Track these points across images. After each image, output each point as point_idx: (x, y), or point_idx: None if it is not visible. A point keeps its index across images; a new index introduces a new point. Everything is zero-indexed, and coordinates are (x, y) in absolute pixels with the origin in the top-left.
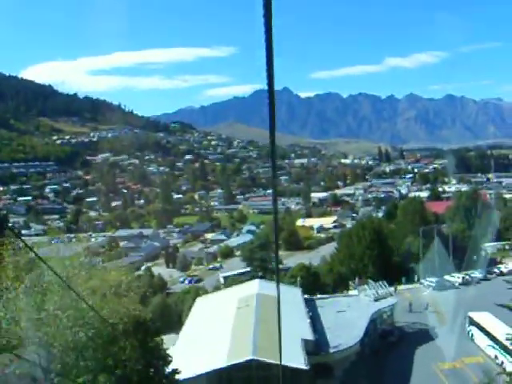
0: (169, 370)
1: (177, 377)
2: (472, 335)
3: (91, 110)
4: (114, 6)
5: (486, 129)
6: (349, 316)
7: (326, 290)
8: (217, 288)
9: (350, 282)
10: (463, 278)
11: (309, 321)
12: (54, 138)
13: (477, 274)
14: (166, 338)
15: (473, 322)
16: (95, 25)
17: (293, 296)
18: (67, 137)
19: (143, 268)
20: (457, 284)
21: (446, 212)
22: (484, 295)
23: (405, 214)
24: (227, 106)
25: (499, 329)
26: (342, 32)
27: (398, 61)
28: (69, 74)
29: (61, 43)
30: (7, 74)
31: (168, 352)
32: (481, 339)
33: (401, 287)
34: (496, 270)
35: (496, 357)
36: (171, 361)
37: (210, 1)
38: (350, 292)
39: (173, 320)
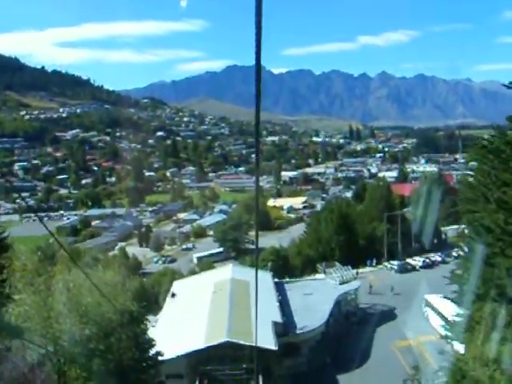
0: (153, 352)
1: (160, 358)
2: (427, 316)
3: (60, 84)
4: None
5: (455, 109)
6: (315, 299)
7: (295, 273)
8: (192, 271)
9: (318, 265)
10: (423, 261)
11: (278, 304)
12: (22, 113)
13: (437, 257)
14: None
15: (428, 304)
16: None
17: (264, 281)
18: (35, 112)
19: (117, 248)
20: (417, 267)
21: (411, 195)
22: (441, 278)
23: (371, 198)
24: (199, 81)
25: (450, 310)
26: (315, 9)
27: (371, 39)
28: (36, 46)
29: (28, 12)
30: None
31: (150, 335)
32: (435, 319)
33: (365, 270)
34: (454, 254)
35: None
36: (155, 344)
37: None
38: (317, 275)
39: (151, 302)
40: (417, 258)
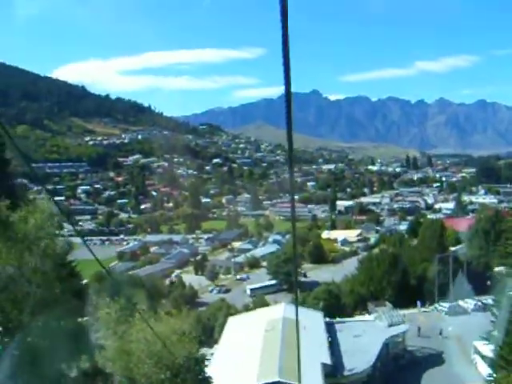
0: None
1: None
2: (476, 363)
3: (123, 110)
4: (145, 6)
5: None
6: (364, 340)
7: (346, 311)
8: (246, 306)
9: (369, 304)
10: (475, 303)
11: (327, 345)
12: (87, 138)
13: (489, 300)
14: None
15: (476, 351)
16: (126, 25)
17: (315, 321)
18: (99, 138)
19: (174, 275)
20: (469, 310)
21: (466, 233)
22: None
23: (424, 237)
24: (256, 108)
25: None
26: (371, 35)
27: (429, 64)
28: (100, 74)
29: (93, 43)
30: (41, 75)
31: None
32: (483, 367)
33: (415, 310)
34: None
35: None
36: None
37: (238, 3)
38: (367, 316)
39: (206, 335)
40: (468, 300)
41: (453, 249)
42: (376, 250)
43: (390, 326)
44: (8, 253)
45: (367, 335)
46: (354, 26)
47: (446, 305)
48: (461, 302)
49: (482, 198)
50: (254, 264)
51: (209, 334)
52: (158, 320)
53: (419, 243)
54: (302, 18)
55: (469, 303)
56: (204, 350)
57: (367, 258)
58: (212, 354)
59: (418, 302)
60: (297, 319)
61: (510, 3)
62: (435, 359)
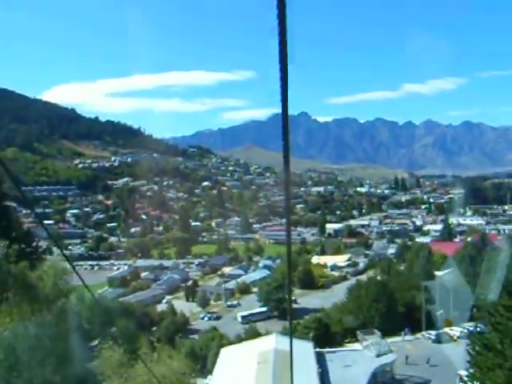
0: None
1: None
2: None
3: (112, 133)
4: (135, 28)
5: (504, 156)
6: (353, 371)
7: (336, 340)
8: (238, 336)
9: (358, 332)
10: (461, 331)
11: (318, 376)
12: (76, 161)
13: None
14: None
15: (462, 380)
16: (116, 47)
17: (305, 352)
18: (88, 161)
19: (164, 301)
20: (455, 337)
21: (454, 258)
22: None
23: (411, 264)
24: (245, 130)
25: None
26: (359, 58)
27: (416, 87)
28: (89, 96)
29: (82, 65)
30: (31, 97)
31: None
32: None
33: (403, 338)
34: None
35: None
36: None
37: (228, 26)
38: (356, 344)
39: (199, 365)
40: (455, 327)
41: (440, 273)
42: (364, 277)
43: (379, 355)
44: (31, 313)
45: (356, 365)
46: (343, 50)
47: (433, 332)
48: (448, 330)
49: (469, 219)
50: (244, 290)
51: (202, 364)
52: (159, 361)
53: (407, 269)
54: (290, 40)
55: (455, 330)
56: (198, 381)
57: (356, 286)
58: None
59: (406, 330)
60: (291, 356)
61: (492, 27)
62: None
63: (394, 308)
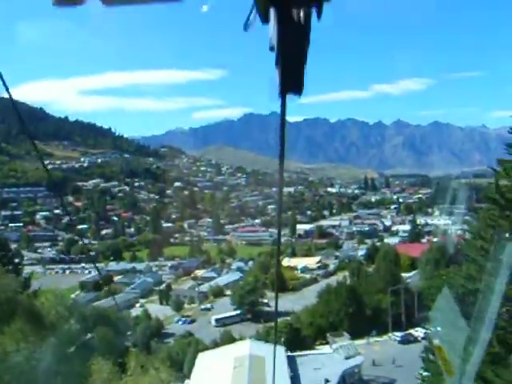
0: None
1: None
2: None
3: (82, 133)
4: (108, 26)
5: (471, 156)
6: (323, 373)
7: (307, 343)
8: (213, 341)
9: (328, 335)
10: (425, 332)
11: (289, 380)
12: (46, 162)
13: (439, 328)
14: None
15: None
16: (88, 44)
17: (277, 356)
18: (58, 162)
19: (138, 305)
20: (419, 338)
21: (419, 260)
22: None
23: (378, 268)
24: (216, 129)
25: None
26: (328, 58)
27: (385, 87)
28: (59, 94)
29: (51, 62)
30: None
31: None
32: None
33: (371, 339)
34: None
35: None
36: None
37: (199, 24)
38: (326, 347)
39: (176, 369)
40: (419, 329)
41: (407, 275)
42: (335, 279)
43: (347, 358)
44: (38, 338)
45: (326, 368)
46: (311, 50)
47: (399, 334)
48: (412, 331)
49: (436, 219)
50: (217, 293)
51: (178, 369)
52: (147, 374)
53: (375, 273)
54: (259, 40)
55: (419, 332)
56: None
57: (326, 290)
58: None
59: (374, 332)
60: (274, 363)
61: (458, 30)
62: None
63: (362, 311)
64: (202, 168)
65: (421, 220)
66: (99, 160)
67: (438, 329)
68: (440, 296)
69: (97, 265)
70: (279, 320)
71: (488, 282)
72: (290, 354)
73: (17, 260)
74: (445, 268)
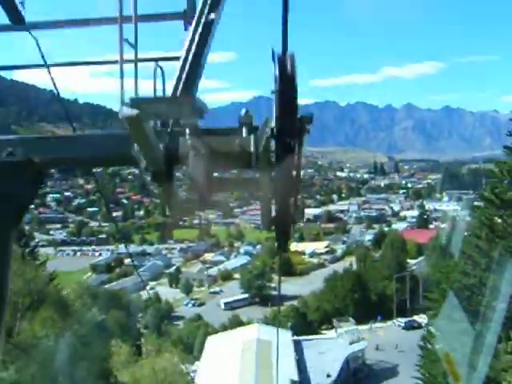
0: None
1: None
2: None
3: (91, 115)
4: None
5: (482, 141)
6: (328, 357)
7: (313, 327)
8: (222, 325)
9: (334, 320)
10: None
11: (295, 363)
12: None
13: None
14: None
15: None
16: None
17: (284, 341)
18: None
19: (148, 288)
20: (423, 324)
21: (426, 247)
22: None
23: (385, 255)
24: (225, 112)
25: None
26: (338, 41)
27: (395, 70)
28: (71, 76)
29: (63, 42)
30: (8, 78)
31: None
32: None
33: (376, 325)
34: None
35: None
36: None
37: None
38: (331, 332)
39: (186, 352)
40: (423, 315)
41: (413, 261)
42: (342, 264)
43: (351, 343)
44: (62, 323)
45: (330, 352)
46: (323, 33)
47: (403, 320)
48: (416, 317)
49: (445, 205)
50: (226, 276)
51: (188, 351)
52: (161, 356)
53: (381, 259)
54: (268, 22)
55: (423, 318)
56: (185, 367)
57: (332, 277)
58: (194, 371)
59: (379, 317)
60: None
61: (471, 13)
62: (391, 371)
63: (367, 297)
64: None
65: (429, 205)
66: None
67: (440, 334)
68: (446, 303)
69: (107, 247)
70: (286, 304)
71: (490, 298)
72: (296, 338)
73: (33, 244)
74: (450, 257)
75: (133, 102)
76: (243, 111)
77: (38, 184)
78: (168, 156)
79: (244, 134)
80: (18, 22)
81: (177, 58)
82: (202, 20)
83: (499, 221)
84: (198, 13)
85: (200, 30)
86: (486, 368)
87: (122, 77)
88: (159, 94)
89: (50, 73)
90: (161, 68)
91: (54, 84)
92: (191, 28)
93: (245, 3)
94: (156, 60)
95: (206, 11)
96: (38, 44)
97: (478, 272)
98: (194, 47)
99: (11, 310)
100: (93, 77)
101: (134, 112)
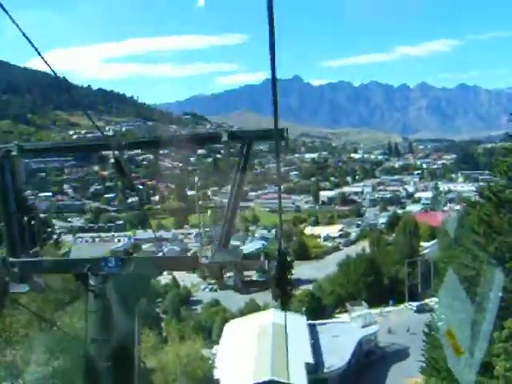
0: None
1: None
2: None
3: (105, 102)
4: None
5: (499, 119)
6: (341, 340)
7: (327, 311)
8: (239, 310)
9: (347, 304)
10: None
11: (310, 346)
12: (71, 132)
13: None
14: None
15: None
16: (108, 11)
17: (299, 325)
18: (83, 131)
19: (165, 273)
20: (435, 308)
21: (438, 230)
22: None
23: (397, 239)
24: (238, 94)
25: None
26: (351, 21)
27: (409, 49)
28: (82, 62)
29: (72, 29)
30: (22, 66)
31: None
32: None
33: (388, 309)
34: None
35: None
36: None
37: None
38: (345, 315)
39: (205, 336)
40: (434, 299)
41: (426, 244)
42: (356, 248)
43: (364, 326)
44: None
45: (344, 335)
46: (335, 12)
47: (415, 304)
48: (428, 301)
49: (460, 186)
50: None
51: (207, 336)
52: (184, 343)
53: (394, 243)
54: (280, 4)
55: (434, 302)
56: (204, 351)
57: (345, 261)
58: (213, 354)
59: (391, 301)
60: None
61: None
62: (402, 354)
63: (380, 281)
64: None
65: (444, 187)
66: (123, 129)
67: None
68: (446, 279)
69: (125, 233)
70: (301, 288)
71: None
72: (311, 322)
73: (55, 236)
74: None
75: None
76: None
77: None
78: None
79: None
80: None
81: None
82: None
83: (497, 219)
84: None
85: None
86: (481, 353)
87: None
88: None
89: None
90: None
91: (52, 69)
92: None
93: None
94: None
95: None
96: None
97: (475, 264)
98: None
99: (53, 306)
100: (102, 63)
101: None
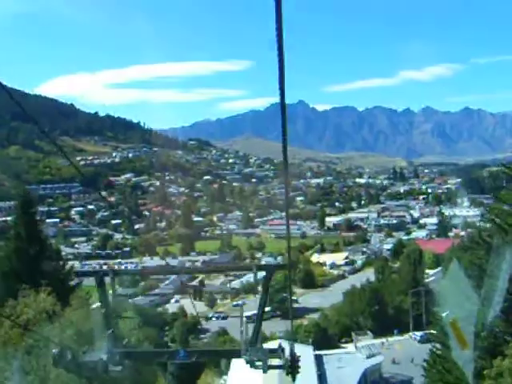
0: None
1: None
2: None
3: (112, 128)
4: (132, 19)
5: (503, 142)
6: (346, 371)
7: (333, 340)
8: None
9: (353, 333)
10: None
11: (317, 377)
12: (78, 158)
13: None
14: None
15: None
16: (113, 38)
17: (305, 355)
18: (90, 157)
19: (173, 301)
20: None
21: (443, 258)
22: None
23: (402, 269)
24: (243, 120)
25: None
26: (355, 46)
27: (413, 73)
28: (88, 88)
29: (80, 56)
30: (30, 93)
31: None
32: None
33: (392, 339)
34: None
35: None
36: None
37: (224, 16)
38: (351, 346)
39: (214, 365)
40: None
41: (431, 272)
42: (361, 276)
43: (369, 357)
44: None
45: (349, 366)
46: (338, 38)
47: (419, 333)
48: (432, 331)
49: (465, 210)
50: (249, 289)
51: (216, 365)
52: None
53: (398, 272)
54: (286, 31)
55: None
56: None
57: (351, 291)
58: None
59: (395, 331)
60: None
61: (487, 15)
62: None
63: (384, 311)
64: (231, 160)
65: (449, 212)
66: (130, 155)
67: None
68: (451, 269)
69: (131, 260)
70: (308, 317)
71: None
72: (317, 353)
73: (68, 267)
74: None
75: None
76: None
77: None
78: None
79: None
80: None
81: None
82: None
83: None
84: None
85: None
86: None
87: None
88: None
89: None
90: None
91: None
92: None
93: (260, 10)
94: None
95: None
96: None
97: (482, 263)
98: None
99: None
100: (107, 89)
101: None
